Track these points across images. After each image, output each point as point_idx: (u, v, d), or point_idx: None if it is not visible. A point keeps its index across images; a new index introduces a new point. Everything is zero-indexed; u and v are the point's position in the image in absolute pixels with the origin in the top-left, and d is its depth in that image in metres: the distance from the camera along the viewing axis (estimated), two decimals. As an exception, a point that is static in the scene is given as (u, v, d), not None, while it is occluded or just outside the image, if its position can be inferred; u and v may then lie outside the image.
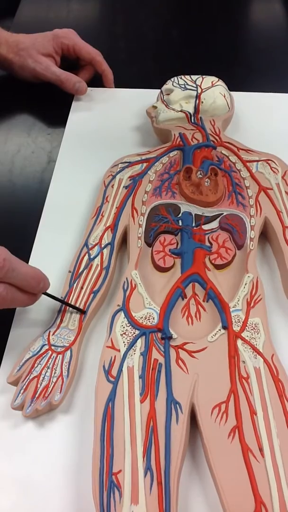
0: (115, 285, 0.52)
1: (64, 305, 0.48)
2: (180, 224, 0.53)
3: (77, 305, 0.48)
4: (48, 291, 0.47)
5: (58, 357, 0.45)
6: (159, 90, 0.67)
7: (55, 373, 0.44)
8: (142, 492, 0.37)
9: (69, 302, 0.48)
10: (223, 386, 0.42)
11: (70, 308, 0.48)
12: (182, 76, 0.66)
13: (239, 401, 0.41)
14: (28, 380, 0.43)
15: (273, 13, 0.94)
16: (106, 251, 0.52)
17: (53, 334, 0.46)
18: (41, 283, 0.45)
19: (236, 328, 0.45)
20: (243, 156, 0.59)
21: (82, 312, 0.48)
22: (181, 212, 0.54)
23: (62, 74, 0.72)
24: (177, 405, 0.41)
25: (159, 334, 0.45)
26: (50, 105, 0.74)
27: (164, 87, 0.66)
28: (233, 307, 0.46)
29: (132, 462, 0.38)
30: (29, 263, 0.53)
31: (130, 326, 0.46)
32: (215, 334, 0.45)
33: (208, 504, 0.39)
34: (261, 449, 0.38)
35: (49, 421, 0.43)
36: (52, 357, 0.45)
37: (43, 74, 0.72)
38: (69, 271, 0.51)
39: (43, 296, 0.47)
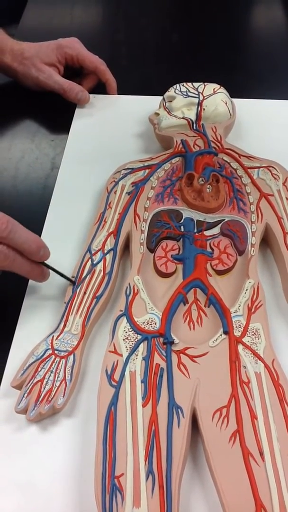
0: (118, 291, 0.52)
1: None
2: (182, 230, 0.54)
3: (79, 311, 0.49)
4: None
5: (61, 362, 0.45)
6: (161, 97, 0.67)
7: (58, 377, 0.44)
8: (144, 495, 0.37)
9: (72, 307, 0.49)
10: (224, 390, 0.42)
11: (73, 312, 0.48)
12: (184, 83, 0.67)
13: (240, 405, 0.41)
14: (32, 384, 0.44)
15: (275, 20, 0.95)
16: (108, 257, 0.52)
17: (57, 338, 0.47)
18: (41, 249, 0.47)
19: (237, 333, 0.46)
20: (244, 163, 0.60)
21: (73, 283, 0.50)
22: (183, 218, 0.55)
23: (65, 83, 0.72)
24: (179, 410, 0.41)
25: (161, 339, 0.45)
26: (53, 112, 0.74)
27: (166, 94, 0.67)
28: (234, 312, 0.47)
29: (134, 465, 0.39)
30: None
31: (132, 331, 0.46)
32: (216, 339, 0.45)
33: (209, 508, 0.39)
34: (261, 453, 0.39)
35: (52, 424, 0.44)
36: (55, 361, 0.45)
37: (46, 83, 0.72)
38: (72, 276, 0.51)
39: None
